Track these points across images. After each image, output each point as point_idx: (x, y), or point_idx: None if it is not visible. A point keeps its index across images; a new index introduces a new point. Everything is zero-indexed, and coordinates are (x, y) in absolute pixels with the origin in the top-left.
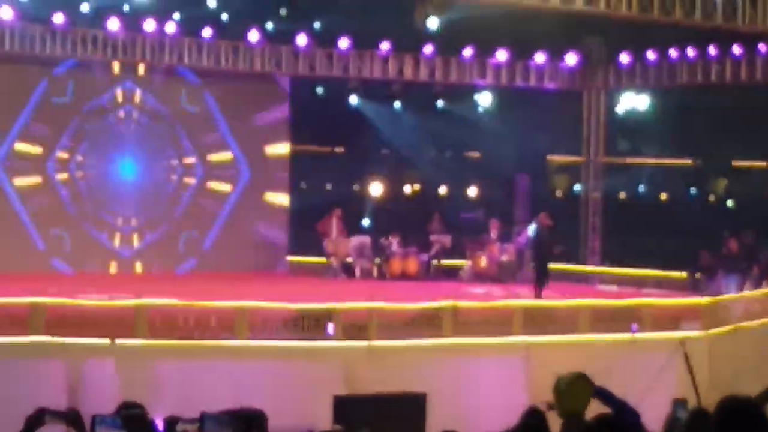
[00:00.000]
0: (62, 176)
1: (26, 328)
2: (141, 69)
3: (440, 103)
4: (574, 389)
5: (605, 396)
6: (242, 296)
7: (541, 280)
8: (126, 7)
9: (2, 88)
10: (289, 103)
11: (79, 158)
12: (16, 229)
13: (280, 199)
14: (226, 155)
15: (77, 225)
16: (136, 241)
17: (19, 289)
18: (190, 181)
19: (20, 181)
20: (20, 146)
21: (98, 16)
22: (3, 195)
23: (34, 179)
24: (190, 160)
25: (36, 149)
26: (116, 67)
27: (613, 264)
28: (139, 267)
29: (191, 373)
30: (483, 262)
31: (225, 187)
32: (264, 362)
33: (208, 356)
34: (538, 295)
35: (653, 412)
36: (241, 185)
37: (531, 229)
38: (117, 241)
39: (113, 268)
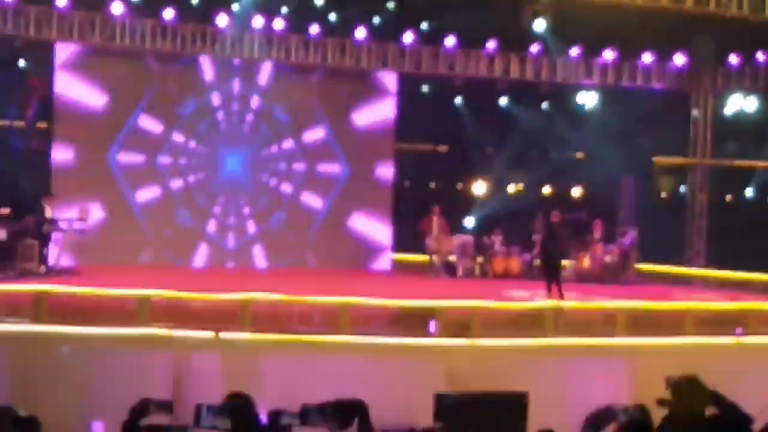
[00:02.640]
0: (172, 171)
1: (134, 320)
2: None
3: (545, 104)
4: (693, 391)
5: (718, 399)
6: (345, 293)
7: (553, 279)
8: (235, 6)
9: (119, 82)
10: (394, 101)
11: (185, 160)
12: (129, 218)
13: (384, 196)
14: (329, 152)
15: (186, 215)
16: (241, 234)
17: (127, 281)
18: (294, 177)
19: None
20: (128, 156)
21: (207, 12)
22: (117, 187)
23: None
24: (295, 157)
25: (145, 152)
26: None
27: (718, 267)
28: (242, 259)
29: (294, 367)
30: (586, 262)
31: (328, 185)
32: (366, 359)
33: (310, 351)
34: (559, 295)
35: (760, 417)
36: (344, 182)
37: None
38: (221, 233)
39: (216, 259)
